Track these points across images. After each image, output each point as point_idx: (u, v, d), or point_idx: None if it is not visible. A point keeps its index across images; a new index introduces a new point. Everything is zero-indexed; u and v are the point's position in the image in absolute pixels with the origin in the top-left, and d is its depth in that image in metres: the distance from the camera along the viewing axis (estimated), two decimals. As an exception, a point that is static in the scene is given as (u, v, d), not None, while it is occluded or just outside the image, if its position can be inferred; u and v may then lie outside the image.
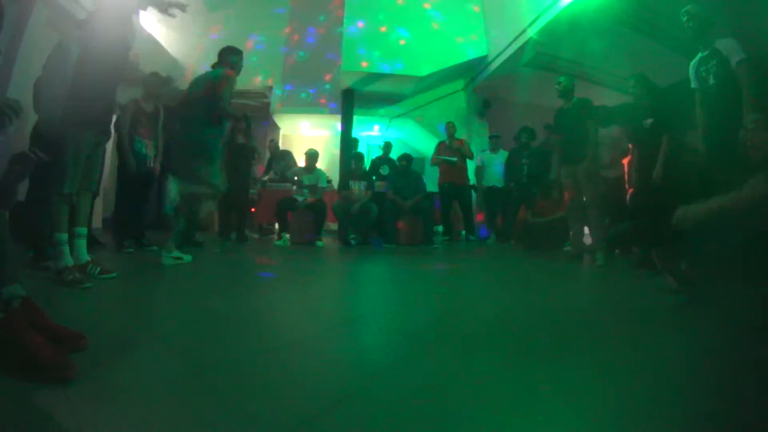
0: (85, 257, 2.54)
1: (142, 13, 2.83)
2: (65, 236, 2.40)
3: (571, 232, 4.55)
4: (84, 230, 2.61)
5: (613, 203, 4.53)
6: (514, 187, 6.38)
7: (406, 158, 6.39)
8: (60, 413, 0.92)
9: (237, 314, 1.89)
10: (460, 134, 7.11)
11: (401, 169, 6.36)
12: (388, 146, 6.99)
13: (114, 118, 2.87)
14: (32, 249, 2.88)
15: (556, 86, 4.28)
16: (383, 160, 6.77)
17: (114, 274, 2.54)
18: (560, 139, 4.44)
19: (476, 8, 7.88)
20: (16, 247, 1.38)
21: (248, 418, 0.91)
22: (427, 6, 7.91)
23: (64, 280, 2.23)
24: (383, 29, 7.57)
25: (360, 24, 7.59)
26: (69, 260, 2.35)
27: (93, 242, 3.85)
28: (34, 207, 2.76)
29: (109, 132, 2.72)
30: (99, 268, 2.53)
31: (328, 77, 8.36)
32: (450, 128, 6.76)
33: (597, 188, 4.15)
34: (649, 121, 3.74)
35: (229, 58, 3.50)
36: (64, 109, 2.38)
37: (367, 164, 6.71)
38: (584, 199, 4.19)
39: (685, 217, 2.16)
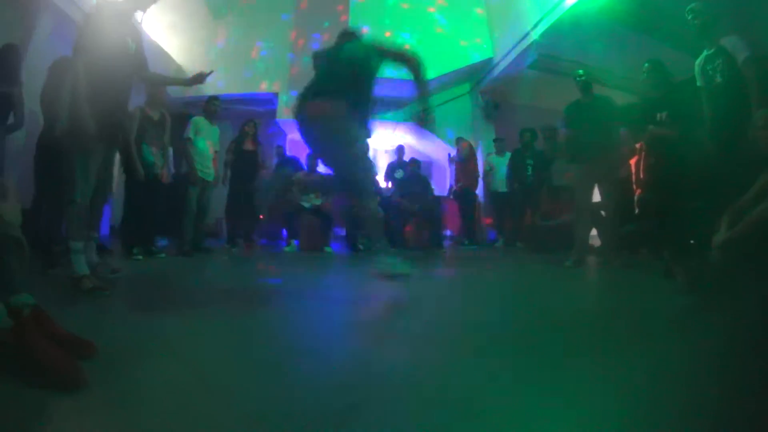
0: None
1: (146, 20, 2.82)
2: (80, 245, 2.31)
3: (576, 239, 4.15)
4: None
5: (621, 204, 4.46)
6: (518, 188, 6.33)
7: (414, 163, 6.43)
8: (70, 421, 0.92)
9: (245, 320, 1.89)
10: (467, 137, 7.12)
11: (409, 174, 6.40)
12: (401, 150, 7.03)
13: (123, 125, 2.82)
14: (40, 256, 2.89)
15: (577, 78, 4.06)
16: (398, 164, 6.83)
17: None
18: (572, 135, 4.09)
19: (480, 11, 7.88)
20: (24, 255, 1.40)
21: (258, 425, 0.91)
22: (431, 10, 7.92)
23: (84, 289, 2.17)
24: (388, 34, 7.59)
25: (364, 29, 7.60)
26: (85, 268, 2.27)
27: (101, 249, 3.87)
28: (41, 214, 2.76)
29: (117, 141, 2.68)
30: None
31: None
32: (462, 145, 6.80)
33: (618, 191, 4.03)
34: (664, 114, 3.38)
35: None
36: (67, 120, 2.33)
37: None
38: (602, 199, 4.10)
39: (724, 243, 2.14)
